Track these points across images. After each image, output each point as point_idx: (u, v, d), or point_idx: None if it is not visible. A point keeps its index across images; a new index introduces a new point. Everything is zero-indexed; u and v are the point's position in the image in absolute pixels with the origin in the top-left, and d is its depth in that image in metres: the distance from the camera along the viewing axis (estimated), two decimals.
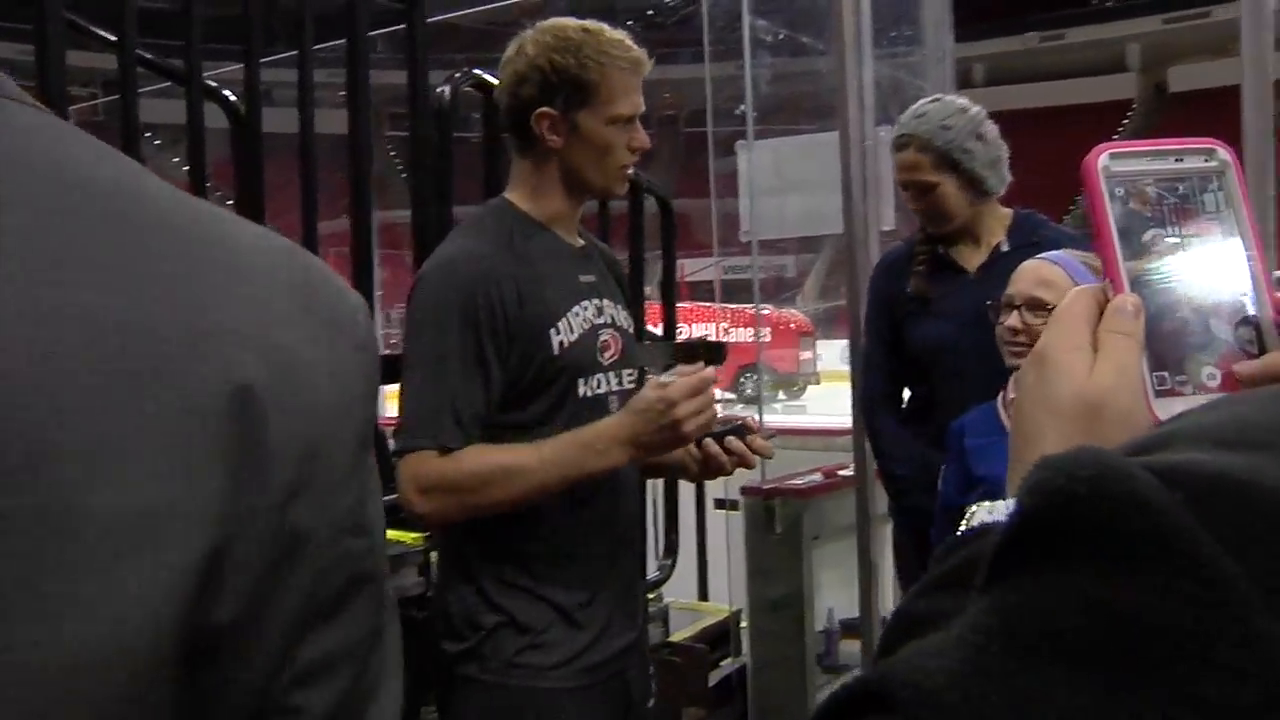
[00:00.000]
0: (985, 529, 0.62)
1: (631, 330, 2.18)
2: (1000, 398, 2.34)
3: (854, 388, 3.16)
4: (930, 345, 2.89)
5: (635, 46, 2.03)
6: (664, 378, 1.92)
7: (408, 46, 2.56)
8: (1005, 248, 2.88)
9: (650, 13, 32.23)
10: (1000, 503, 0.65)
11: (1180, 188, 0.70)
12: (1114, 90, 38.43)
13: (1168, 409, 0.66)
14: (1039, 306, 2.23)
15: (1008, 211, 2.95)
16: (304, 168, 2.39)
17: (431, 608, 2.21)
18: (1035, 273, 2.28)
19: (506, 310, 1.93)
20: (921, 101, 3.03)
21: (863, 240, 3.66)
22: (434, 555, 2.62)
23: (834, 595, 3.81)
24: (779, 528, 3.52)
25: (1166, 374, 0.67)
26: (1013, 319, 2.27)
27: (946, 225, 2.87)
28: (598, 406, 2.04)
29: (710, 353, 3.58)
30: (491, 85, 2.76)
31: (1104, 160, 0.70)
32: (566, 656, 2.00)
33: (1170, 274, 0.69)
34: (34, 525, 0.47)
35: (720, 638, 3.63)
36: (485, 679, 1.98)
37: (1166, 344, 0.68)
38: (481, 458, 1.92)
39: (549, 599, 2.00)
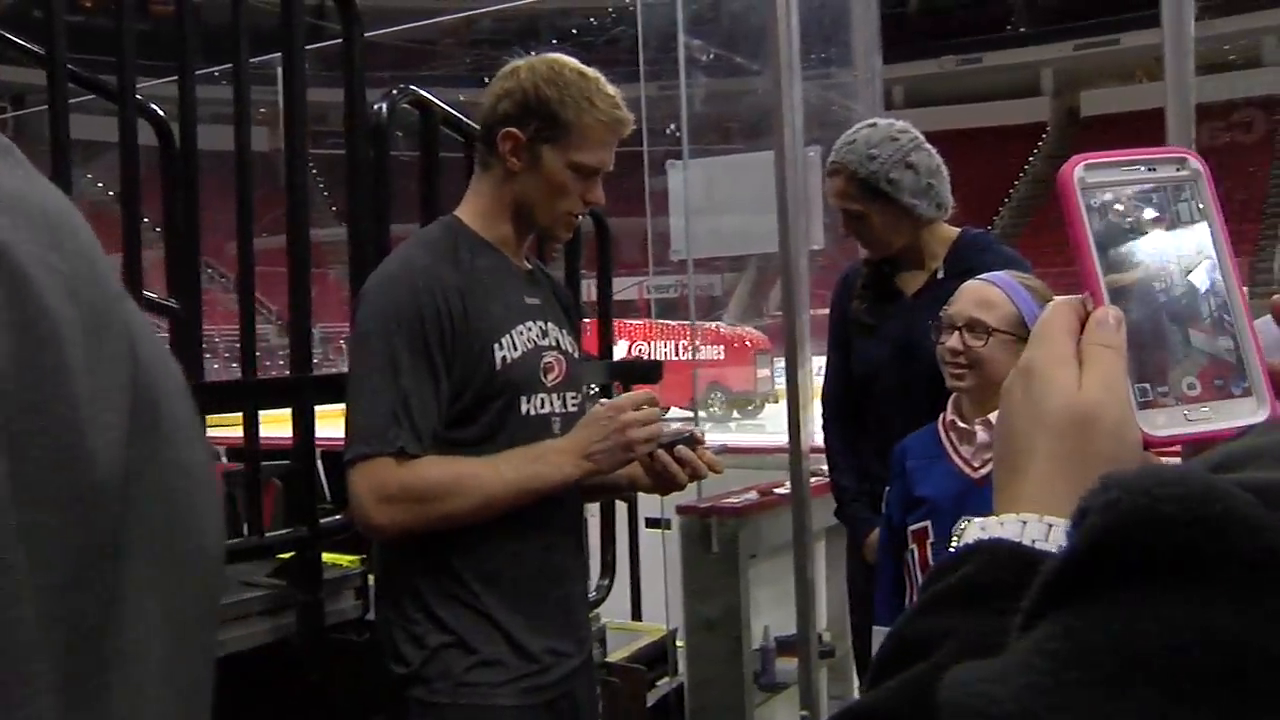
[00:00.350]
0: (979, 547, 0.62)
1: (576, 356, 2.19)
2: (940, 420, 2.37)
3: (790, 405, 3.17)
4: (864, 368, 2.93)
5: (625, 111, 2.06)
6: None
7: (344, 63, 2.54)
8: (941, 274, 2.88)
9: (575, 32, 32.33)
10: (993, 519, 0.64)
11: (1154, 198, 0.70)
12: (1028, 114, 39.27)
13: (1151, 421, 0.66)
14: (978, 328, 2.25)
15: (953, 234, 2.95)
16: (240, 185, 2.35)
17: (373, 631, 2.19)
18: (975, 294, 2.30)
19: (453, 322, 1.94)
20: (857, 126, 3.04)
21: (794, 259, 3.69)
22: (371, 578, 2.59)
23: (769, 613, 3.82)
24: (716, 546, 3.53)
25: (1149, 385, 0.67)
26: (953, 340, 2.28)
27: (881, 251, 2.89)
28: (541, 426, 2.04)
29: (645, 372, 3.59)
30: (429, 103, 2.75)
31: (1080, 171, 0.70)
32: (515, 675, 2.00)
33: (1148, 285, 0.68)
34: None
35: (657, 657, 3.62)
36: (435, 700, 1.97)
37: (1147, 355, 0.67)
38: (441, 467, 1.92)
39: (495, 619, 2.00)
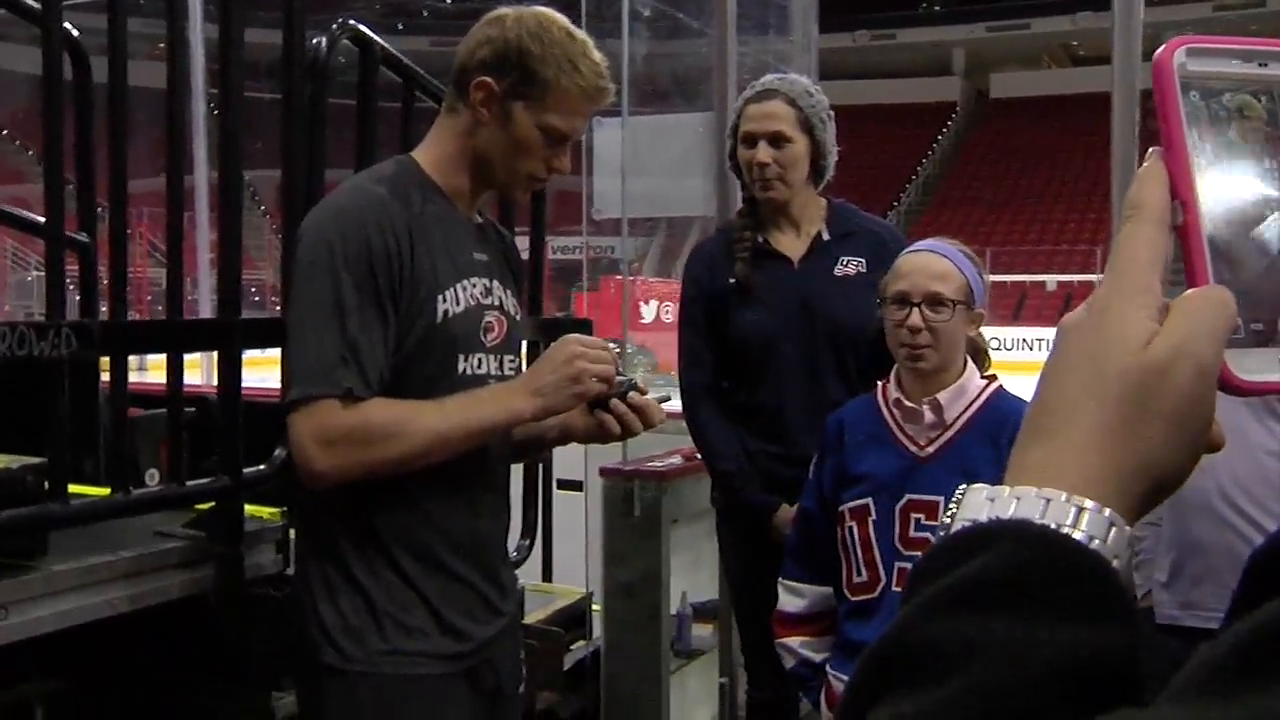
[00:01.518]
0: (999, 531, 0.52)
1: (519, 317, 2.13)
2: (880, 392, 2.35)
3: None
4: (753, 335, 2.87)
5: (608, 81, 1.99)
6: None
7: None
8: (826, 236, 2.90)
9: None
10: (1004, 491, 0.54)
11: (1263, 99, 0.59)
12: (939, 93, 39.77)
13: (1239, 362, 0.56)
14: (938, 302, 2.22)
15: (823, 201, 2.97)
16: (170, 123, 2.24)
17: (291, 588, 2.13)
18: (926, 266, 2.27)
19: (400, 264, 1.87)
20: (769, 75, 3.04)
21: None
22: (292, 532, 2.52)
23: (685, 579, 3.82)
24: (638, 510, 3.51)
25: (1240, 321, 0.56)
26: (914, 318, 2.22)
27: (782, 193, 2.85)
28: (476, 388, 1.98)
29: (576, 329, 3.54)
30: (370, 41, 2.66)
31: (1180, 56, 0.58)
32: (433, 644, 1.95)
33: (1248, 199, 0.58)
34: None
35: (573, 620, 3.60)
36: (348, 668, 1.92)
37: (1240, 284, 0.57)
38: (385, 409, 1.85)
39: (414, 583, 1.94)
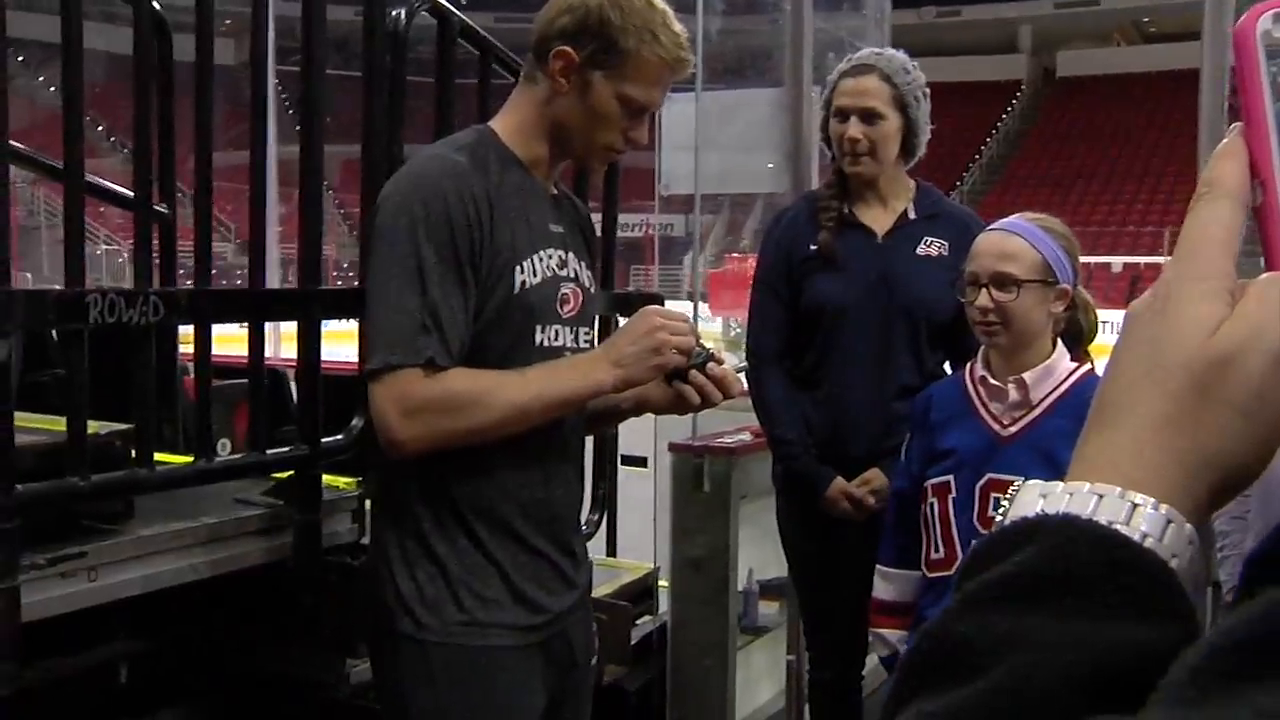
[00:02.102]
0: (1044, 525, 0.50)
1: (593, 290, 2.13)
2: (967, 370, 2.34)
3: None
4: (831, 304, 2.86)
5: (688, 52, 1.98)
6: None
7: None
8: (912, 214, 2.90)
9: None
10: (1057, 486, 0.52)
11: None
12: (1004, 71, 39.23)
13: None
14: (1006, 281, 2.21)
15: (911, 181, 2.97)
16: (199, 96, 2.24)
17: (368, 557, 2.15)
18: (995, 246, 2.25)
19: (480, 232, 1.87)
20: (865, 50, 3.03)
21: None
22: (368, 502, 2.56)
23: (753, 556, 3.83)
24: (707, 486, 3.52)
25: None
26: (981, 298, 2.22)
27: (871, 169, 2.84)
28: (553, 359, 1.99)
29: (647, 303, 3.54)
30: (448, 12, 2.67)
31: (1266, 23, 0.55)
32: (508, 616, 1.95)
33: None
34: None
35: (640, 595, 3.61)
36: (423, 638, 1.93)
37: None
38: (467, 379, 1.85)
39: (490, 554, 1.95)
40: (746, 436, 3.69)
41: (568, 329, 2.02)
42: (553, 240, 2.01)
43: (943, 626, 0.47)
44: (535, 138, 2.00)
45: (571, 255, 2.05)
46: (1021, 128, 37.73)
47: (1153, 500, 0.50)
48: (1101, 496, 0.50)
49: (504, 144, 1.98)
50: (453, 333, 1.84)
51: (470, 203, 1.86)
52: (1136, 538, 0.49)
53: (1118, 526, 0.49)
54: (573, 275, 2.04)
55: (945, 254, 2.86)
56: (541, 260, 1.97)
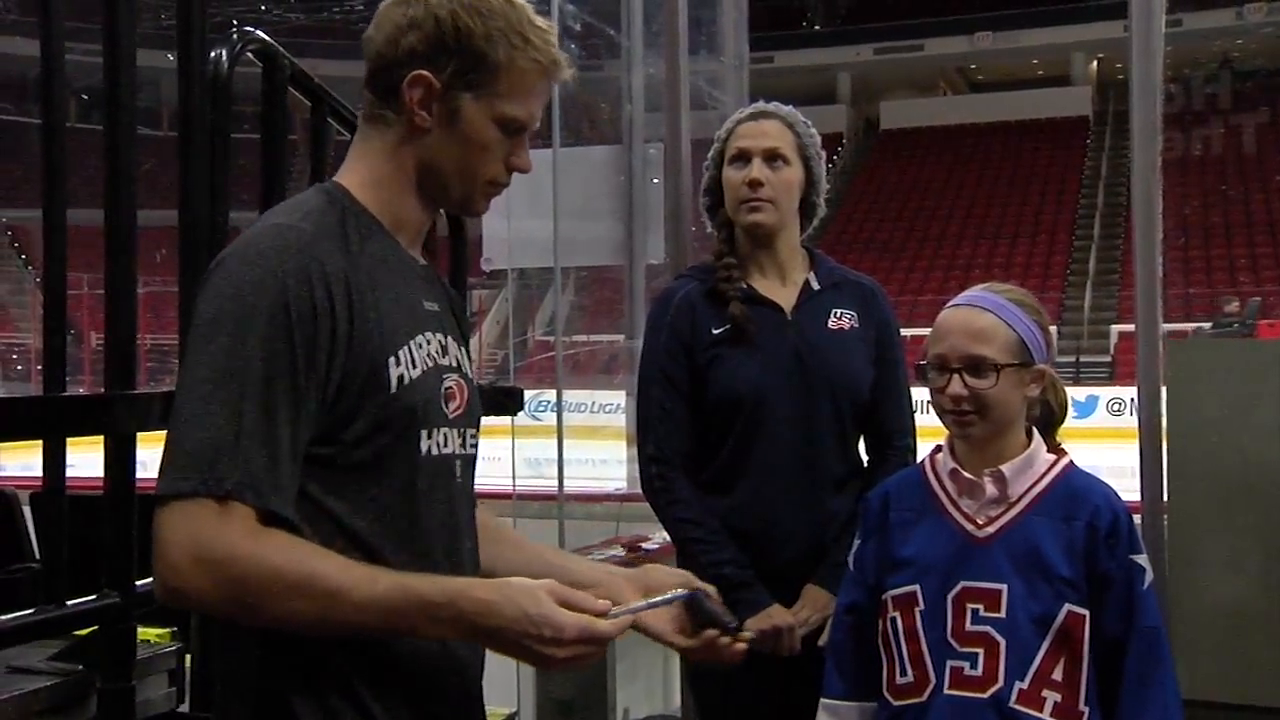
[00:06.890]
0: None
1: (475, 381, 1.97)
2: (928, 462, 2.29)
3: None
4: (750, 391, 2.79)
5: (559, 50, 1.84)
6: (616, 610, 1.66)
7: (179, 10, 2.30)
8: (815, 285, 2.91)
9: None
10: None
11: None
12: (824, 123, 40.70)
13: None
14: (982, 366, 2.18)
15: (802, 248, 2.98)
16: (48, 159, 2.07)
17: None
18: (967, 324, 2.22)
19: (335, 322, 1.66)
20: (751, 106, 3.03)
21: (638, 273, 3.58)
22: (188, 658, 2.34)
23: (623, 693, 3.70)
24: None
25: None
26: (954, 385, 2.18)
27: (772, 218, 2.83)
28: (441, 472, 1.81)
29: (505, 398, 3.42)
30: (277, 55, 2.52)
31: None
32: None
33: None
34: None
35: None
36: None
37: None
38: (295, 554, 1.62)
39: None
40: (618, 551, 3.58)
41: (454, 431, 1.85)
42: (429, 322, 1.84)
43: None
44: (397, 193, 1.82)
45: (450, 339, 1.88)
46: (842, 186, 39.10)
47: None
48: None
49: (360, 204, 1.80)
50: (270, 462, 1.62)
51: (320, 283, 1.67)
52: None
53: None
54: (454, 364, 1.87)
55: (856, 326, 2.88)
56: (421, 348, 1.80)
